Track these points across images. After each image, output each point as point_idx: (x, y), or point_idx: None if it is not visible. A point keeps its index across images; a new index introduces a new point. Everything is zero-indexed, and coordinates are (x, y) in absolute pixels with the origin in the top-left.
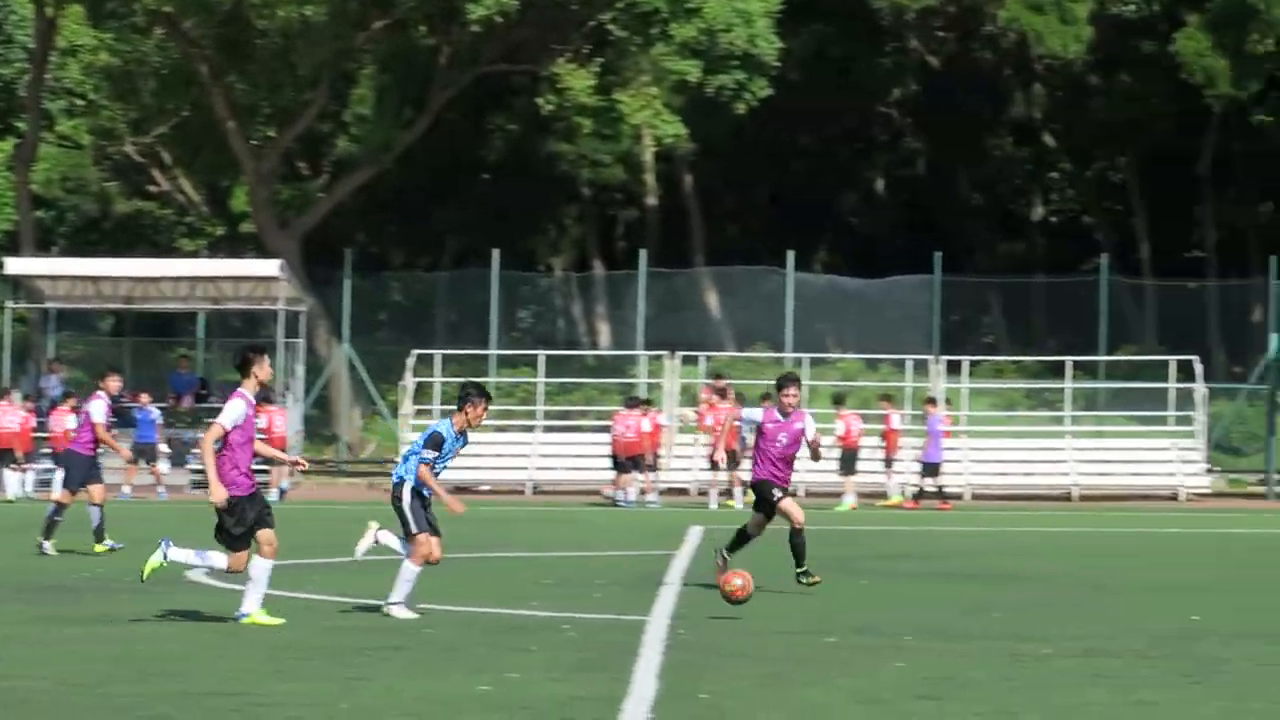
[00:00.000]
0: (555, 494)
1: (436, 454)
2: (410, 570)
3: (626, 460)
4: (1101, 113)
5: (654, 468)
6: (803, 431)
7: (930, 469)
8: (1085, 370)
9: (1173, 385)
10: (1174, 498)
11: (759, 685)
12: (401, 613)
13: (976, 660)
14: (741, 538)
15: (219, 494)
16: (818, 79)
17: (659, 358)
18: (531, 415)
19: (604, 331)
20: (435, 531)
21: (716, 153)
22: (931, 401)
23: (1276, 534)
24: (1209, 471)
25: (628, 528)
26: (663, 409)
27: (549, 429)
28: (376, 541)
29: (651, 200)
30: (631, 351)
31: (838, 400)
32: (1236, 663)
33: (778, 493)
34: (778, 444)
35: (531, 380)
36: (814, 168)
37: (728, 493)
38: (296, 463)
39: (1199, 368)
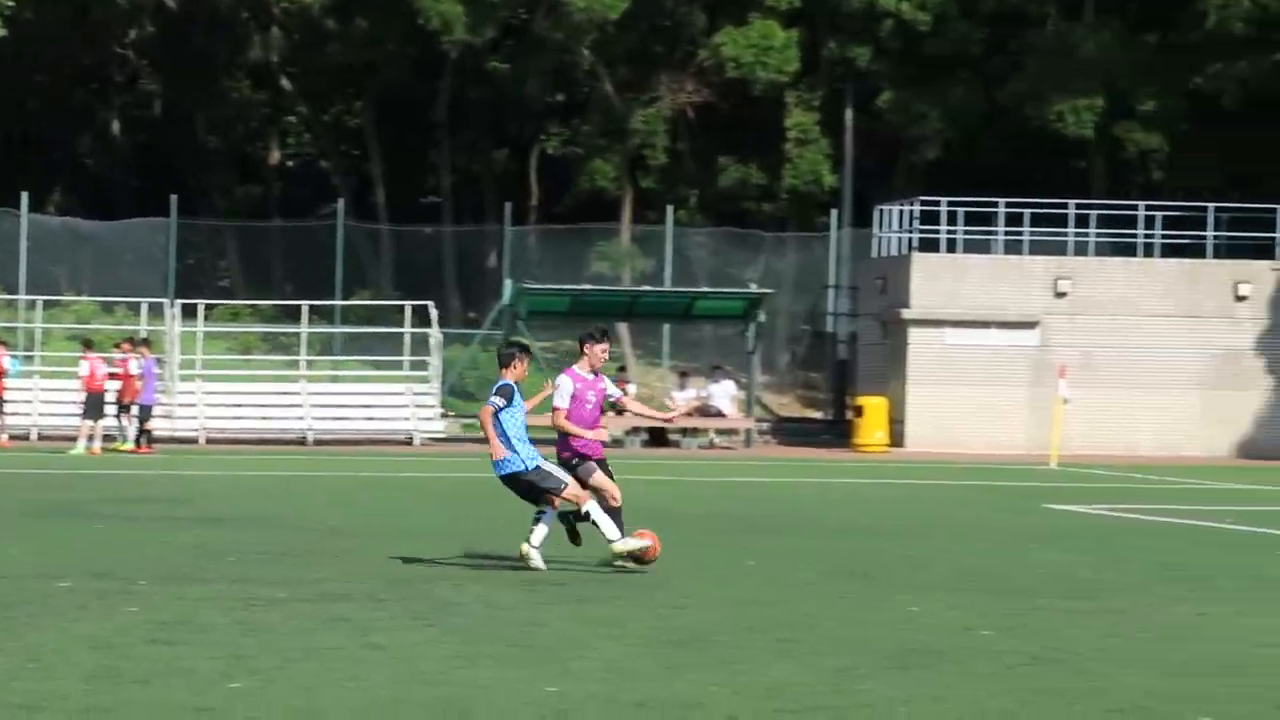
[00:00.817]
0: None
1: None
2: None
3: None
4: (338, 57)
5: None
6: (605, 391)
7: (145, 412)
8: (322, 315)
9: (408, 330)
10: (409, 442)
11: None
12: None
13: (211, 605)
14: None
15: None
16: (54, 18)
17: None
18: None
19: None
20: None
21: None
22: (146, 343)
23: None
24: (443, 416)
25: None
26: None
27: None
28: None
29: None
30: None
31: (87, 344)
32: (469, 605)
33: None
34: (586, 406)
35: None
36: (49, 108)
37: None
38: None
39: (434, 313)
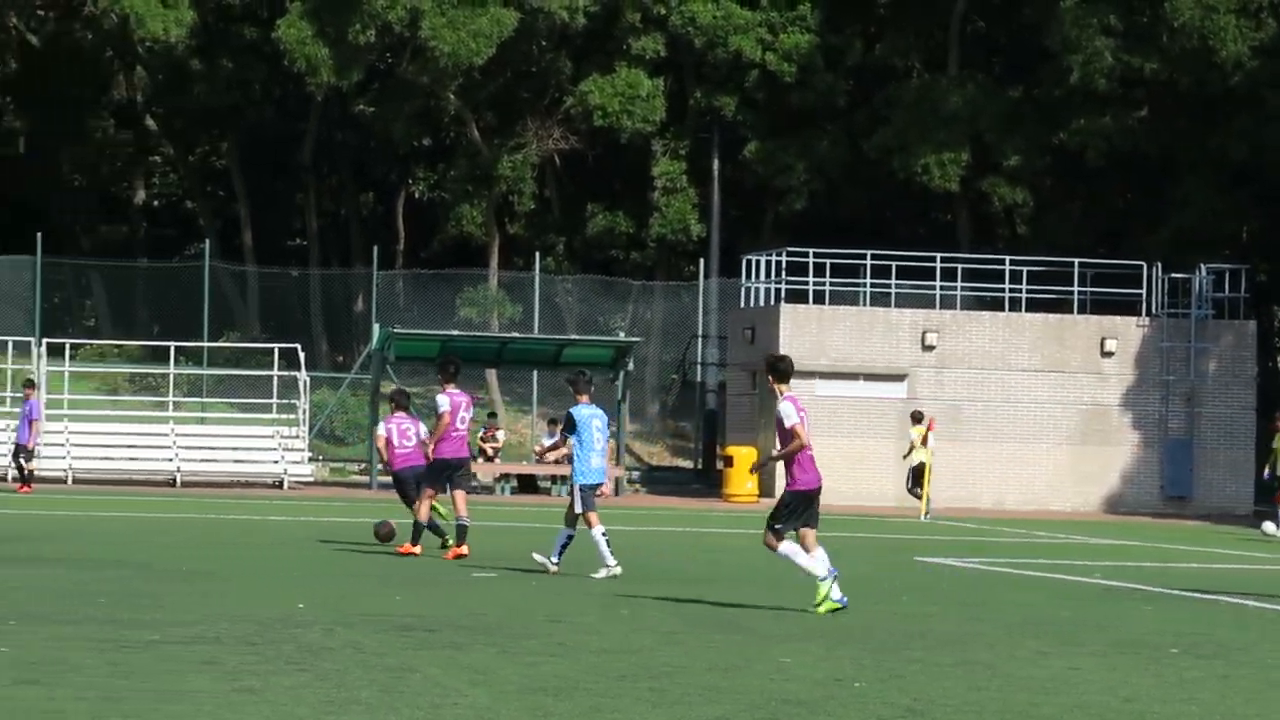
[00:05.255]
0: None
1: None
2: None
3: None
4: (203, 97)
5: None
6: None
7: (24, 451)
8: (189, 356)
9: (276, 373)
10: (279, 485)
11: None
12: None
13: (81, 645)
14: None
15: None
16: None
17: None
18: None
19: None
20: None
21: None
22: (30, 385)
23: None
24: (312, 459)
25: None
26: None
27: None
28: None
29: None
30: None
31: None
32: (340, 651)
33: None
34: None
35: None
36: None
37: None
38: None
39: (302, 355)
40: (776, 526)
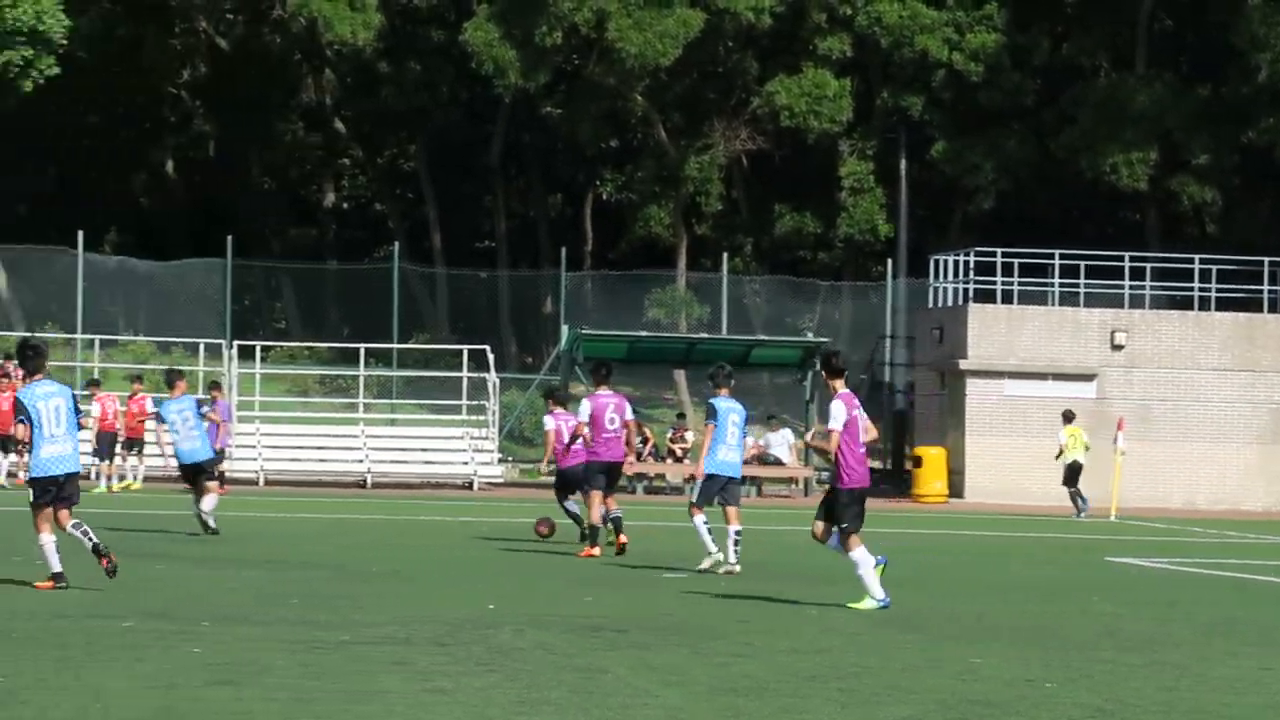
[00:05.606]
0: None
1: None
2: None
3: None
4: (391, 100)
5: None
6: None
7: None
8: (379, 358)
9: (465, 374)
10: (468, 486)
11: (54, 669)
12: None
13: (273, 646)
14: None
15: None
16: (106, 58)
17: (38, 336)
18: None
19: None
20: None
21: (3, 130)
22: (216, 386)
23: (570, 523)
24: (501, 460)
25: None
26: None
27: None
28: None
29: None
30: None
31: (95, 383)
32: (530, 652)
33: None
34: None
35: None
36: (103, 147)
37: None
38: None
39: (491, 357)
40: (844, 526)
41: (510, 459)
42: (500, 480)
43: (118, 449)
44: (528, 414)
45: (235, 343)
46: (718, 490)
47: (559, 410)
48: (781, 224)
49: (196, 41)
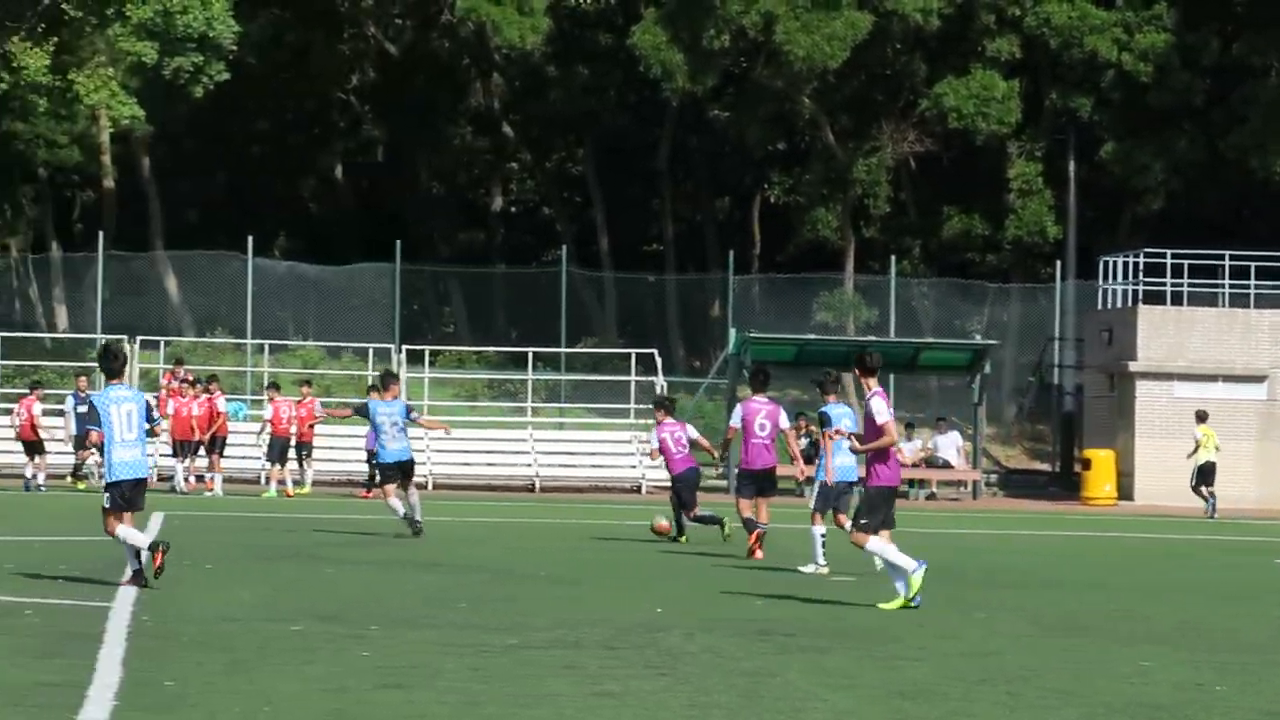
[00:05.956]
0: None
1: None
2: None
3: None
4: (559, 104)
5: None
6: None
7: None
8: (547, 361)
9: (633, 378)
10: (636, 490)
11: (223, 672)
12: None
13: (442, 649)
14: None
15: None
16: (275, 64)
17: (118, 341)
18: None
19: (61, 314)
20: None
21: (174, 136)
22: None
23: (734, 527)
24: None
25: (92, 512)
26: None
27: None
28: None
29: (109, 182)
30: (90, 335)
31: (274, 386)
32: (700, 655)
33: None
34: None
35: None
36: (272, 153)
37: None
38: None
39: (659, 360)
40: (862, 522)
41: None
42: (668, 484)
43: (289, 453)
44: (695, 417)
45: (404, 347)
46: (837, 496)
47: (668, 420)
48: (949, 226)
49: (365, 46)
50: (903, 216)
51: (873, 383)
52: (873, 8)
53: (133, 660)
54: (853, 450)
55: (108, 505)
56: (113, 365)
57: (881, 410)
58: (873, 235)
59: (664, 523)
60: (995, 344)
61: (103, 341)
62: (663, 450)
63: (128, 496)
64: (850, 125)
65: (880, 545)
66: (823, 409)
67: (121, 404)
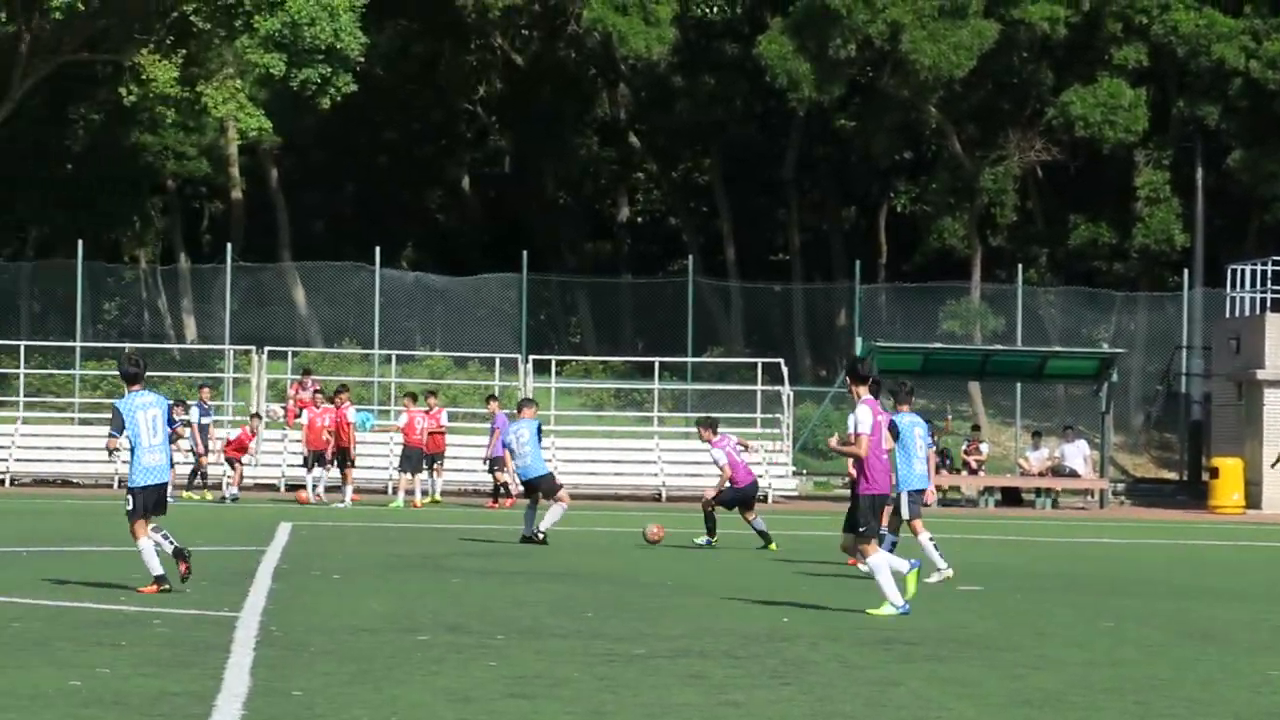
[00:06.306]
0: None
1: None
2: None
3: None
4: (685, 114)
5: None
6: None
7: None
8: (673, 371)
9: (760, 387)
10: (763, 499)
11: (350, 682)
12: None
13: (568, 659)
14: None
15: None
16: (402, 75)
17: (246, 352)
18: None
19: (190, 325)
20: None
21: (302, 147)
22: (493, 399)
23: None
24: (796, 474)
25: (218, 522)
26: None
27: None
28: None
29: (237, 194)
30: (218, 346)
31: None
32: (824, 664)
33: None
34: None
35: (116, 373)
36: (399, 164)
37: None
38: None
39: (785, 370)
40: (862, 531)
41: (804, 472)
42: (795, 493)
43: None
44: (822, 427)
45: (531, 357)
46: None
47: (717, 438)
48: (1076, 235)
49: (492, 57)
50: (1029, 225)
51: (862, 391)
52: (999, 16)
53: (260, 670)
54: (831, 449)
55: (130, 509)
56: (135, 372)
57: (863, 420)
58: (999, 244)
59: (656, 530)
60: (1122, 352)
61: (229, 352)
62: (731, 464)
63: (151, 502)
64: (977, 134)
65: (878, 561)
66: (893, 418)
67: (147, 409)
